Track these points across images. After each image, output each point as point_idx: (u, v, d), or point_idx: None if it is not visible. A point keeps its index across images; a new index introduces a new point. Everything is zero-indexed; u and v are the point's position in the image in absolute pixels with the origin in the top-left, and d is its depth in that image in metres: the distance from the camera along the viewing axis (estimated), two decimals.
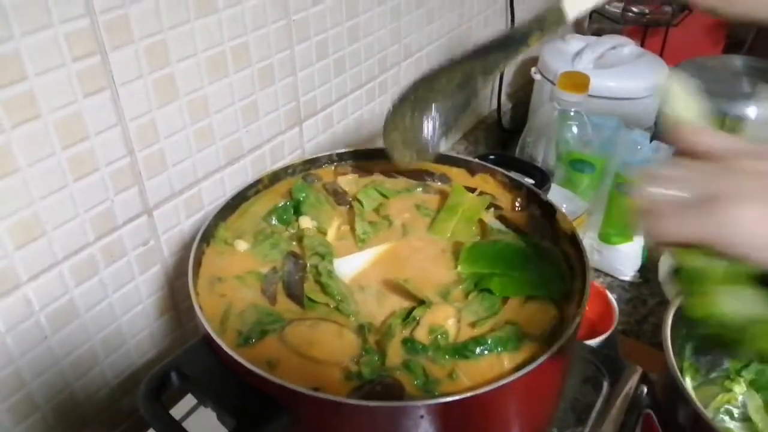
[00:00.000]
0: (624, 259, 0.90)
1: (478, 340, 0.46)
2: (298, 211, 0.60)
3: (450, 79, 0.53)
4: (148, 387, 0.41)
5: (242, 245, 0.56)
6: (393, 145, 0.56)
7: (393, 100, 0.56)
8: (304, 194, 0.60)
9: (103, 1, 0.48)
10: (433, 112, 0.54)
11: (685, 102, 0.51)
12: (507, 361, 0.45)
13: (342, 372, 0.44)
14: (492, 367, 0.45)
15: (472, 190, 0.63)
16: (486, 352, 0.46)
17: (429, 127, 0.54)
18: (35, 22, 0.45)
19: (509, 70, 1.20)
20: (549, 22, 0.51)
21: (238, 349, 0.44)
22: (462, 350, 0.46)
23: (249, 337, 0.46)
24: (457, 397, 0.40)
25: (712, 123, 0.44)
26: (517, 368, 0.44)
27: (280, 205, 0.60)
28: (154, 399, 0.40)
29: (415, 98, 0.54)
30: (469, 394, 0.40)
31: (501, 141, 1.18)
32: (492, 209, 0.60)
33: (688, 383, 0.68)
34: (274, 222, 0.59)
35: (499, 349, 0.46)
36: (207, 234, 0.55)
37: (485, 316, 0.49)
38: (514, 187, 0.63)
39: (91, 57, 0.49)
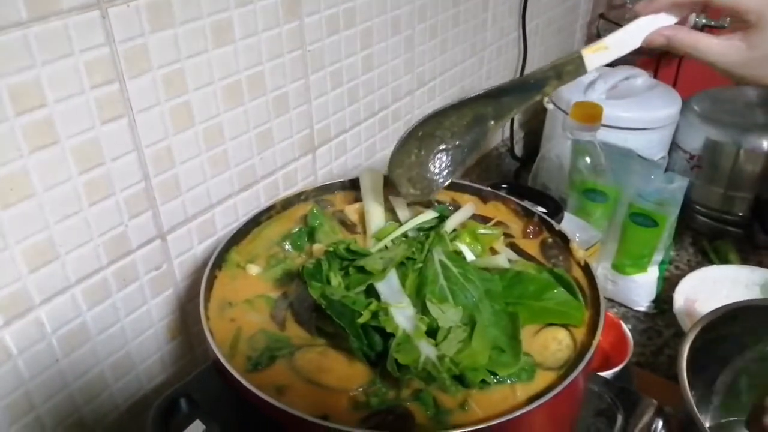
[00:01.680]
0: (639, 289, 0.89)
1: (490, 371, 0.45)
2: (312, 238, 0.60)
3: (460, 118, 0.53)
4: (156, 413, 0.40)
5: (254, 269, 0.56)
6: (398, 180, 0.56)
7: (401, 134, 0.56)
8: (318, 221, 0.61)
9: (123, 31, 0.50)
10: (441, 151, 0.54)
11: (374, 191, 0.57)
12: (520, 391, 0.45)
13: (350, 401, 0.44)
14: (505, 398, 0.44)
15: (485, 218, 0.63)
16: (498, 382, 0.45)
17: (436, 165, 0.54)
18: (56, 51, 0.46)
19: None
20: (567, 71, 0.52)
21: (247, 375, 0.44)
22: (474, 380, 0.45)
23: (258, 363, 0.46)
24: (468, 429, 0.39)
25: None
26: (531, 399, 0.43)
27: (294, 230, 0.60)
28: (163, 425, 0.40)
29: (423, 135, 0.54)
30: (480, 426, 0.39)
31: (513, 170, 1.18)
32: (502, 237, 0.60)
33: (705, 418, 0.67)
34: (288, 247, 0.59)
35: (512, 380, 0.46)
36: (219, 258, 0.55)
37: None
38: (526, 215, 0.63)
39: (109, 85, 0.50)
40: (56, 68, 0.46)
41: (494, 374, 0.45)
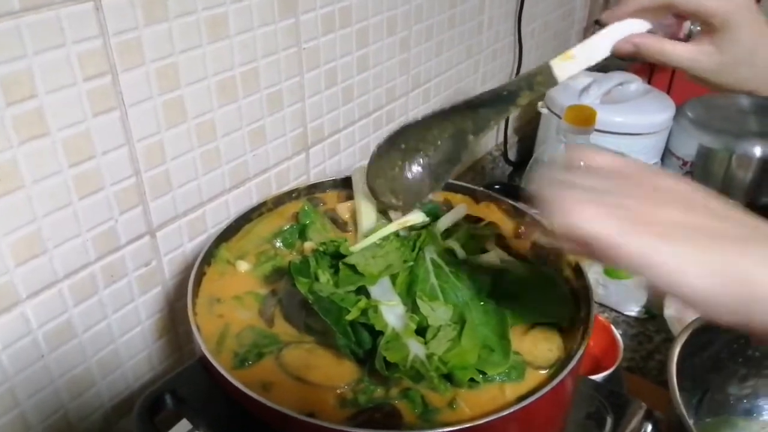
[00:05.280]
0: (629, 294, 0.89)
1: (480, 370, 0.45)
2: (303, 236, 0.60)
3: (442, 131, 0.53)
4: (141, 409, 0.40)
5: (243, 266, 0.55)
6: (380, 189, 0.55)
7: (379, 143, 0.55)
8: (309, 219, 0.60)
9: (117, 24, 0.49)
10: (424, 165, 0.54)
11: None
12: (509, 391, 0.44)
13: (338, 398, 0.44)
14: (494, 398, 0.44)
15: (477, 219, 0.63)
16: (487, 381, 0.45)
17: (419, 178, 0.54)
18: (48, 42, 0.45)
19: None
20: (538, 82, 0.51)
21: (233, 372, 0.43)
22: (463, 379, 0.45)
23: (245, 359, 0.46)
24: (456, 428, 0.39)
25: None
26: (520, 399, 0.43)
27: (285, 228, 0.60)
28: (148, 422, 0.40)
29: (406, 148, 0.54)
30: (468, 425, 0.39)
31: (507, 174, 1.18)
32: (494, 237, 0.60)
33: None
34: (279, 245, 0.59)
35: (502, 379, 0.45)
36: (209, 254, 0.55)
37: None
38: (518, 215, 0.63)
39: (102, 77, 0.50)
40: (48, 59, 0.46)
41: (483, 373, 0.45)
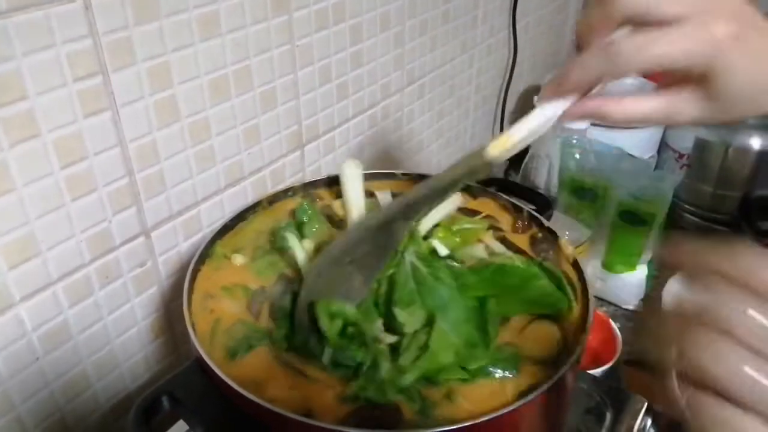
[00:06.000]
0: (628, 287, 0.89)
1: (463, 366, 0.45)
2: (301, 232, 0.59)
3: (374, 245, 0.50)
4: (138, 412, 0.40)
5: (239, 259, 0.55)
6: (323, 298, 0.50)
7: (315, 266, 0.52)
8: (307, 216, 0.60)
9: (107, 23, 0.49)
10: (356, 273, 0.52)
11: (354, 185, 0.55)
12: (507, 384, 0.44)
13: (336, 394, 0.43)
14: (493, 392, 0.44)
15: (473, 212, 0.62)
16: (484, 375, 0.45)
17: (353, 284, 0.52)
18: (37, 42, 0.45)
19: (512, 99, 1.21)
20: (473, 171, 0.44)
21: (227, 367, 0.43)
22: (441, 380, 0.44)
23: (236, 352, 0.45)
24: (456, 426, 0.39)
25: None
26: (520, 394, 0.42)
27: (282, 225, 0.59)
28: (144, 425, 0.39)
29: (336, 258, 0.51)
30: (468, 423, 0.39)
31: (503, 168, 1.18)
32: (491, 231, 0.60)
33: None
34: (276, 241, 0.58)
35: (499, 372, 0.45)
36: (204, 254, 0.54)
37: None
38: (516, 211, 0.62)
39: (92, 78, 0.49)
40: (37, 60, 0.45)
41: (466, 369, 0.45)
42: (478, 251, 0.55)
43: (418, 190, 0.48)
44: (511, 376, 0.45)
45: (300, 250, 0.54)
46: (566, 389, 0.47)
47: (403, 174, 0.68)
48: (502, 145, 0.41)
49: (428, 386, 0.44)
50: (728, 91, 0.38)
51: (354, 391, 0.43)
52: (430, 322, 0.46)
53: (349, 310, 0.46)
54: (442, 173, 0.47)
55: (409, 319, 0.46)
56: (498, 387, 0.44)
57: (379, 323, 0.47)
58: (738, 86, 0.38)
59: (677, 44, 0.37)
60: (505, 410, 0.40)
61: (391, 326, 0.47)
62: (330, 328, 0.45)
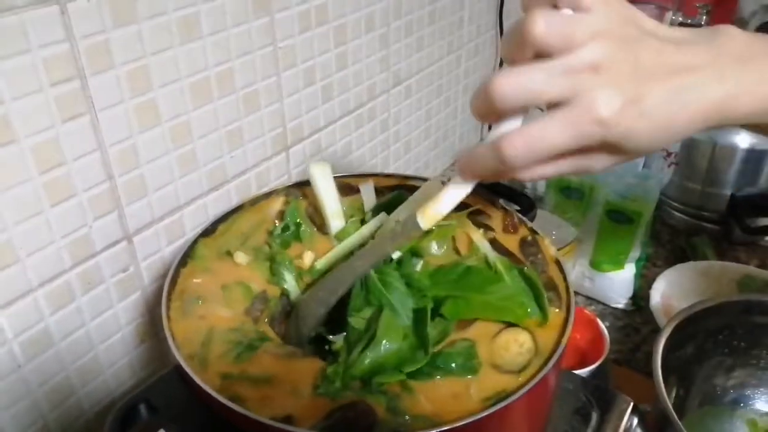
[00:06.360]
0: (616, 286, 0.89)
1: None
2: (298, 237, 0.59)
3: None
4: (113, 421, 0.39)
5: (241, 257, 0.55)
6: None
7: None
8: (296, 218, 0.60)
9: (84, 26, 0.48)
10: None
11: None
12: (473, 388, 0.44)
13: (312, 390, 0.43)
14: (455, 394, 0.44)
15: (465, 205, 0.61)
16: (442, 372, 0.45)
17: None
18: (12, 47, 0.44)
19: None
20: (406, 235, 0.46)
21: (207, 376, 0.42)
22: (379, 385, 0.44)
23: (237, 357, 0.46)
24: (443, 428, 0.38)
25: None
26: (486, 400, 0.42)
27: (278, 226, 0.59)
28: None
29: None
30: (447, 427, 0.38)
31: None
32: (482, 230, 0.59)
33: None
34: (274, 244, 0.58)
35: (457, 370, 0.45)
36: (185, 258, 0.54)
37: (435, 341, 0.48)
38: (504, 210, 0.62)
39: (70, 82, 0.49)
40: (13, 65, 0.45)
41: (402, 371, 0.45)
42: (433, 249, 0.55)
43: (357, 254, 0.51)
44: (471, 375, 0.45)
45: (294, 285, 0.55)
46: (543, 395, 0.47)
47: (388, 175, 0.67)
48: (434, 219, 0.44)
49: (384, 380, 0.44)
50: (634, 150, 0.38)
51: (326, 384, 0.44)
52: (376, 315, 0.47)
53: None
54: (379, 239, 0.51)
55: (358, 319, 0.46)
56: (462, 388, 0.44)
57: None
58: (644, 144, 0.37)
59: (564, 135, 0.36)
60: (471, 419, 0.39)
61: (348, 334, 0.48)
62: None
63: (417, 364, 0.45)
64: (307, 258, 0.57)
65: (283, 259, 0.56)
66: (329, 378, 0.44)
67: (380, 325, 0.46)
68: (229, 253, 0.56)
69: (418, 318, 0.48)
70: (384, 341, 0.45)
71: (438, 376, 0.45)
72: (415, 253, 0.54)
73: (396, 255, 0.52)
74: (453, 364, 0.45)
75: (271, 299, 0.53)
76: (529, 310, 0.50)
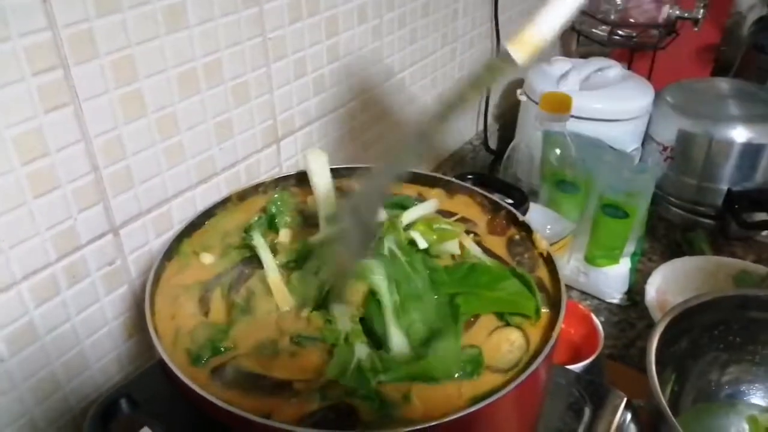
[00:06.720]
0: (611, 281, 0.88)
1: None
2: (272, 226, 0.58)
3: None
4: (94, 416, 0.38)
5: (207, 258, 0.54)
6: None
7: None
8: (278, 209, 0.59)
9: (67, 15, 0.47)
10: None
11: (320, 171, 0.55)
12: (465, 388, 0.43)
13: (296, 395, 0.42)
14: (448, 396, 0.43)
15: (450, 213, 0.61)
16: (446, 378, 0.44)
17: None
18: None
19: (495, 92, 1.20)
20: (488, 81, 0.40)
21: (189, 370, 0.42)
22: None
23: (200, 357, 0.44)
24: (412, 428, 0.37)
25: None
26: (476, 398, 0.41)
27: (254, 220, 0.58)
28: (101, 428, 0.38)
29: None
30: (432, 423, 0.38)
31: (488, 163, 1.17)
32: (471, 235, 0.59)
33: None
34: (247, 236, 0.57)
35: (457, 375, 0.44)
36: (169, 252, 0.53)
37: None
38: (493, 208, 0.61)
39: (52, 71, 0.48)
40: None
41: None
42: (453, 247, 0.54)
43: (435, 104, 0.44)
44: (469, 378, 0.44)
45: (265, 248, 0.53)
46: (531, 392, 0.46)
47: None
48: (529, 45, 0.30)
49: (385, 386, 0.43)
50: None
51: (328, 378, 0.43)
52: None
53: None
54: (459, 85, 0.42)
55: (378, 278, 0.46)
56: (454, 389, 0.43)
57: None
58: None
59: None
60: (457, 415, 0.39)
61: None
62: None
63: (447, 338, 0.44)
64: (283, 235, 0.56)
65: (252, 227, 0.55)
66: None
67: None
68: (196, 253, 0.55)
69: (447, 308, 0.48)
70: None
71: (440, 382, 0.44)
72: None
73: (423, 244, 0.51)
74: (461, 373, 0.45)
75: (224, 274, 0.52)
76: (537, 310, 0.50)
